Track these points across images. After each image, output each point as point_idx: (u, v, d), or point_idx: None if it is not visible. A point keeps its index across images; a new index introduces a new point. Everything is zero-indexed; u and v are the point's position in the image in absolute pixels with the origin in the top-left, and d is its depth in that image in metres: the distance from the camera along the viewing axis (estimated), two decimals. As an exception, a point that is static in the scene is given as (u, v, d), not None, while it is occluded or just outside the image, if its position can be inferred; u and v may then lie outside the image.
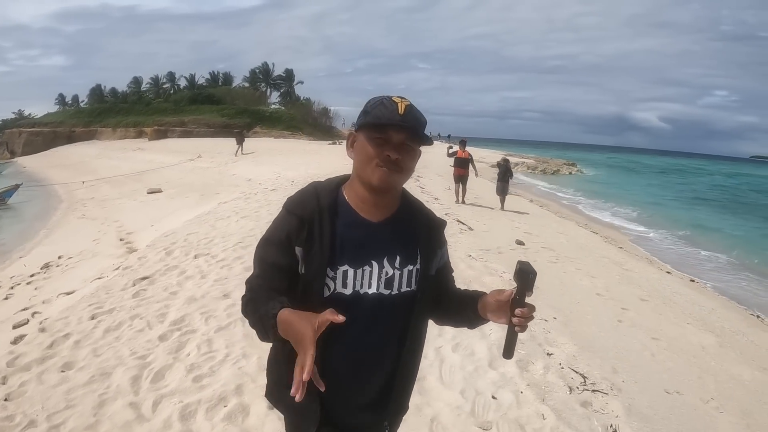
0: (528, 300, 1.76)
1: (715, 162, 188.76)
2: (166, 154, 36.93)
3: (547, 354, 5.61)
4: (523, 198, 24.53)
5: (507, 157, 23.04)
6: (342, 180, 1.96)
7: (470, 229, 12.51)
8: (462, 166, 17.73)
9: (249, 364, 4.93)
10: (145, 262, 8.92)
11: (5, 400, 4.64)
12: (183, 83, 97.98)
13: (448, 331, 5.72)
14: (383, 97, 1.83)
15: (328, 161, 29.41)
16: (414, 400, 3.00)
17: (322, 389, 1.62)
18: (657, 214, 26.19)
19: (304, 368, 1.51)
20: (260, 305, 1.75)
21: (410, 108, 1.80)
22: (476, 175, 18.64)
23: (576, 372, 5.28)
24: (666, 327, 7.80)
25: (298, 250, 1.81)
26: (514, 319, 1.75)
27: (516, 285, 1.77)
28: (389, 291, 1.88)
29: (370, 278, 1.85)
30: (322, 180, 1.96)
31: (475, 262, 9.10)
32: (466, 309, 1.98)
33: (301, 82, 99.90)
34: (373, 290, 1.85)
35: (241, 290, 1.94)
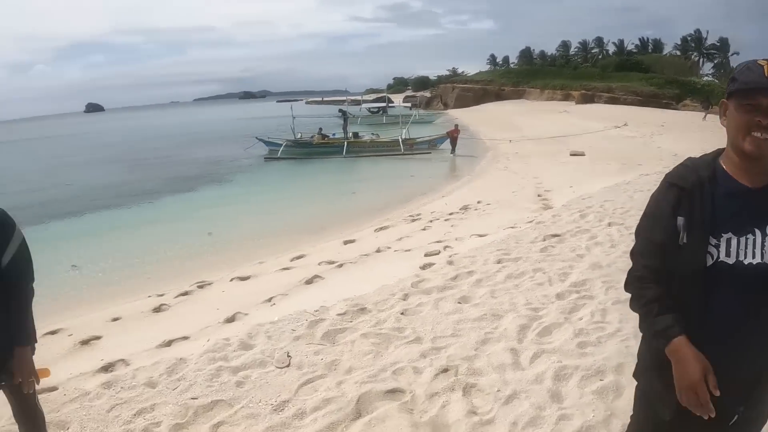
0: None
1: None
2: (590, 119, 36.71)
3: None
4: None
5: None
6: (719, 152, 1.89)
7: None
8: None
9: (637, 345, 4.51)
10: (558, 220, 9.02)
11: (401, 313, 5.21)
12: (611, 49, 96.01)
13: None
14: (750, 61, 1.75)
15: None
16: None
17: (713, 414, 1.71)
18: None
19: (704, 408, 1.70)
20: (651, 304, 1.86)
21: None
22: None
23: None
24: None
25: (680, 220, 1.81)
26: None
27: None
28: None
29: (754, 247, 1.75)
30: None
31: None
32: None
33: (737, 53, 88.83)
34: (757, 260, 1.74)
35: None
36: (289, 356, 4.45)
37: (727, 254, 1.75)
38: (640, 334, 4.74)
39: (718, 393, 1.70)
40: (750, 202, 1.78)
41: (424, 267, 7.13)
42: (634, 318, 4.87)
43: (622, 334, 4.67)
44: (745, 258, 1.74)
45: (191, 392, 4.01)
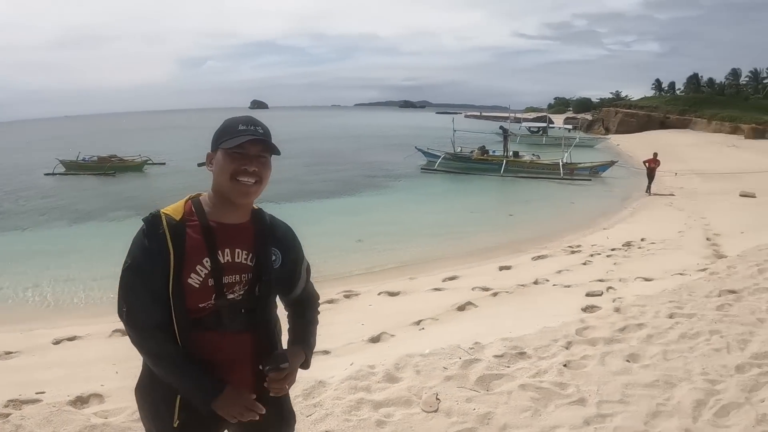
0: None
1: None
2: (763, 156, 33.74)
3: None
4: None
5: None
6: None
7: None
8: None
9: None
10: (734, 273, 8.14)
11: (564, 365, 4.63)
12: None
13: None
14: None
15: None
16: None
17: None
18: None
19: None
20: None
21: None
22: None
23: None
24: None
25: None
26: None
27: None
28: None
29: None
30: None
31: None
32: None
33: None
34: None
35: None
36: (438, 399, 4.04)
37: None
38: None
39: None
40: None
41: (586, 309, 6.65)
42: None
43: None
44: None
45: (326, 424, 3.75)
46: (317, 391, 4.14)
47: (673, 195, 20.45)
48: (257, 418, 1.82)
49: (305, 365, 2.10)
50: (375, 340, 5.95)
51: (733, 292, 7.07)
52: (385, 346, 5.62)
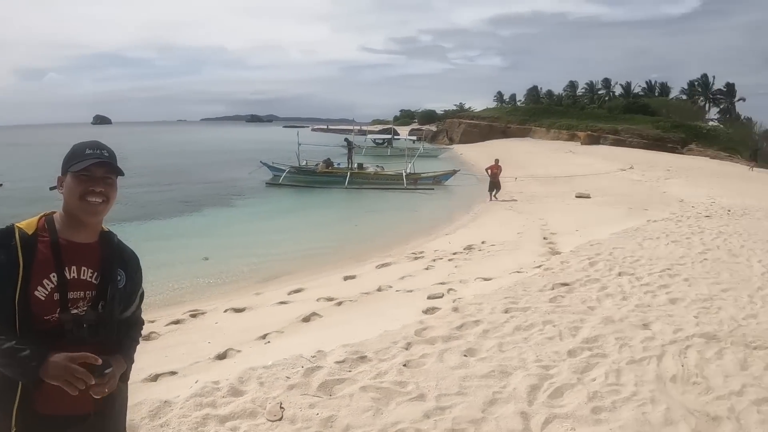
0: None
1: None
2: (596, 160, 36.73)
3: None
4: None
5: None
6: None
7: None
8: None
9: (655, 411, 4.15)
10: (567, 267, 8.75)
11: (404, 365, 4.87)
12: (618, 90, 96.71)
13: None
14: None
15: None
16: None
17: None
18: None
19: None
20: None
21: None
22: None
23: None
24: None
25: None
26: None
27: None
28: None
29: None
30: None
31: None
32: None
33: (743, 99, 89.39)
34: None
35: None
36: (282, 408, 4.11)
37: None
38: (659, 399, 4.38)
39: None
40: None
41: (427, 311, 6.84)
42: (651, 381, 4.64)
43: (637, 398, 4.35)
44: None
45: (173, 443, 3.69)
46: (163, 411, 4.07)
47: (514, 200, 21.74)
48: (90, 382, 1.86)
49: (125, 378, 2.19)
50: (221, 357, 5.86)
51: (565, 284, 7.60)
52: (231, 362, 5.56)
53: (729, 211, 16.37)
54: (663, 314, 6.36)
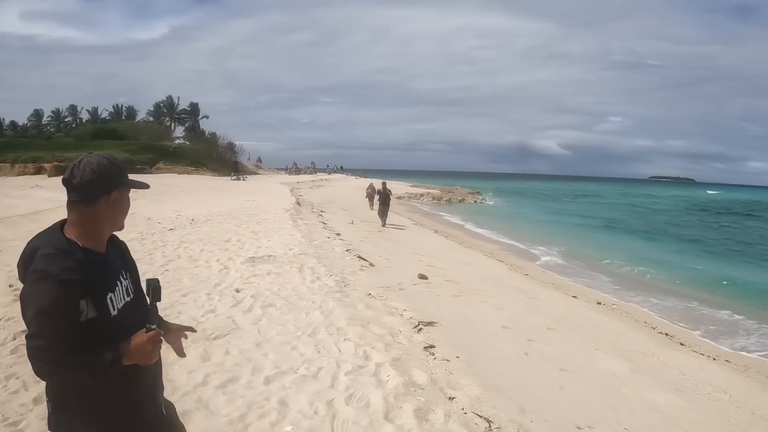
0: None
1: (615, 184, 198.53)
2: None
3: (449, 398, 5.16)
4: (427, 228, 25.08)
5: (385, 183, 23.92)
6: (61, 225, 2.34)
7: (371, 265, 11.97)
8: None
9: None
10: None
11: None
12: (86, 117, 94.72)
13: (342, 380, 5.25)
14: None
15: (232, 198, 28.59)
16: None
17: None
18: (561, 239, 26.60)
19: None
20: (94, 361, 1.95)
21: None
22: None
23: (480, 416, 4.84)
24: (575, 356, 7.61)
25: (82, 303, 2.01)
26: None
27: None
28: None
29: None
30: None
31: (374, 301, 8.62)
32: None
33: (206, 117, 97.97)
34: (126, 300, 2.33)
35: None
36: None
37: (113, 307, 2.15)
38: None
39: None
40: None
41: None
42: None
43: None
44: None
45: None
46: None
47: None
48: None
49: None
50: None
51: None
52: None
53: (192, 220, 17.52)
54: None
